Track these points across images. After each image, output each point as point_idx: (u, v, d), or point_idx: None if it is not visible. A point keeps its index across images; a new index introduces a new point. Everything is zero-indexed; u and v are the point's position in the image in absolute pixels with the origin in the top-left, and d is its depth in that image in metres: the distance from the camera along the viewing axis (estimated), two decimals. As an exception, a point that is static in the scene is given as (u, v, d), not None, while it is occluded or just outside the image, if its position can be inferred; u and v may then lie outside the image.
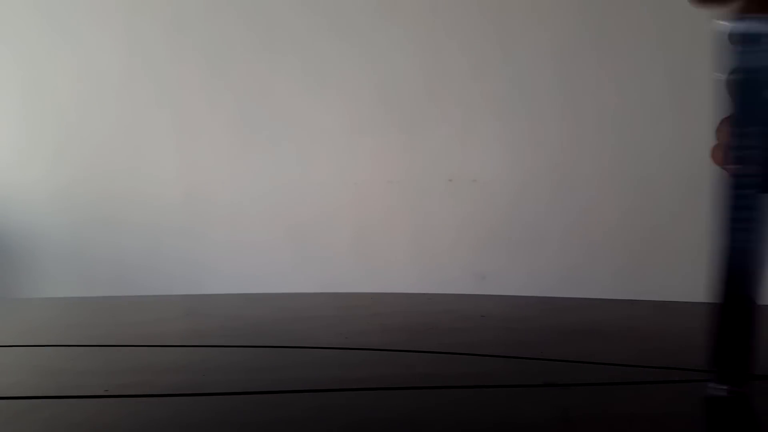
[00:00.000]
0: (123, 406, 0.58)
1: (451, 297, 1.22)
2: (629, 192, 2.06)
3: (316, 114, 2.15)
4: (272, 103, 2.17)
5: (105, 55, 2.20)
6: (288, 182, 2.18)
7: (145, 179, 2.22)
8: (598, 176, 2.07)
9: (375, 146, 2.15)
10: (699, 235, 2.25)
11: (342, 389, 0.62)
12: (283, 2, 2.15)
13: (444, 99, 2.11)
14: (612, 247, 2.08)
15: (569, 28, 2.04)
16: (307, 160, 2.17)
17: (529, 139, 2.09)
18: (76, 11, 2.19)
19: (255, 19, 2.15)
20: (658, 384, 0.61)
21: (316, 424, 0.52)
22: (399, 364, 0.71)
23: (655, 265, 2.06)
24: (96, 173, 2.23)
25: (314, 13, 2.13)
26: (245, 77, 2.17)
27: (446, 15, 2.09)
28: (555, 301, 1.14)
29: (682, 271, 2.07)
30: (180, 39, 2.17)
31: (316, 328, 0.92)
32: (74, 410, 0.56)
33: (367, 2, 2.12)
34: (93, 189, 2.23)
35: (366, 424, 0.52)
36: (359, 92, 2.14)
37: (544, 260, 2.09)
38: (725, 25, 0.36)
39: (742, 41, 0.37)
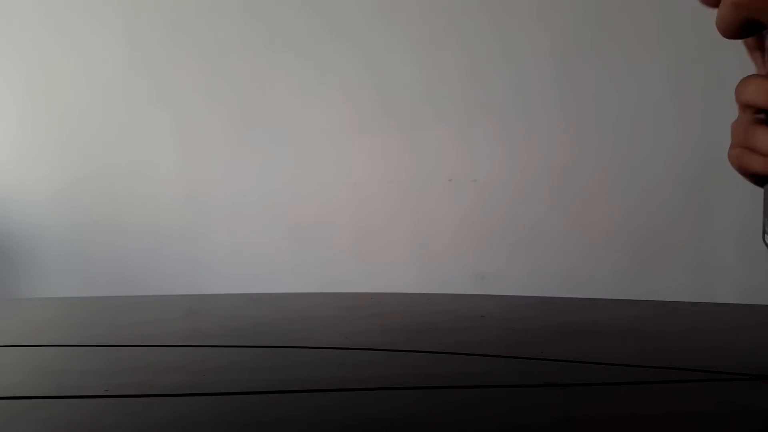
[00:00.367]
0: (123, 406, 0.58)
1: (451, 297, 1.22)
2: (629, 192, 2.06)
3: (315, 114, 2.15)
4: (272, 104, 2.17)
5: (106, 56, 2.20)
6: (288, 182, 2.18)
7: (146, 180, 2.22)
8: (598, 176, 2.07)
9: (374, 146, 2.15)
10: (699, 236, 2.26)
11: (342, 389, 0.62)
12: (283, 2, 2.15)
13: (444, 99, 2.11)
14: (612, 247, 2.08)
15: (569, 29, 2.04)
16: (307, 160, 2.17)
17: (530, 140, 2.09)
18: (77, 12, 2.19)
19: (255, 20, 2.15)
20: (658, 384, 0.61)
21: (316, 424, 0.53)
22: (399, 364, 0.71)
23: (656, 266, 2.06)
24: (97, 174, 2.23)
25: (314, 14, 2.13)
26: (245, 78, 2.17)
27: (446, 15, 2.09)
28: (555, 301, 1.14)
29: (682, 271, 2.07)
30: (180, 40, 2.17)
31: (316, 328, 0.92)
32: (74, 410, 0.56)
33: (367, 2, 2.12)
34: (93, 189, 2.23)
35: (366, 424, 0.52)
36: (359, 92, 2.14)
37: (544, 260, 2.09)
38: None
39: None
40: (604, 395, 0.58)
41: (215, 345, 0.81)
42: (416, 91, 2.11)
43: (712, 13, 0.40)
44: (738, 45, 0.38)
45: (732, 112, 0.40)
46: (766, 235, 0.37)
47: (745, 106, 0.37)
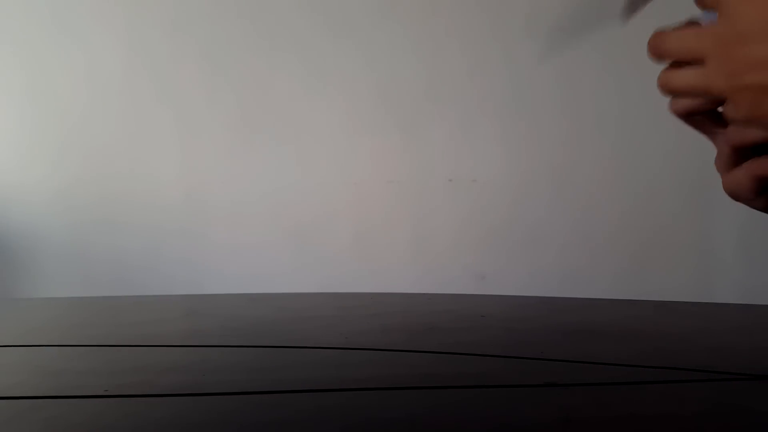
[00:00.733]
0: (123, 406, 0.58)
1: (451, 297, 1.22)
2: (629, 192, 2.06)
3: (316, 114, 2.15)
4: (272, 104, 2.17)
5: (106, 57, 2.20)
6: (288, 182, 2.18)
7: (146, 180, 2.22)
8: (598, 176, 2.07)
9: (375, 146, 2.15)
10: (699, 236, 2.26)
11: (342, 389, 0.62)
12: (283, 2, 2.15)
13: (444, 99, 2.11)
14: (612, 247, 2.08)
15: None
16: (307, 160, 2.17)
17: (530, 139, 2.09)
18: (77, 12, 2.19)
19: (255, 20, 2.15)
20: (658, 384, 0.61)
21: (316, 424, 0.53)
22: (399, 364, 0.71)
23: (656, 266, 2.06)
24: (97, 174, 2.23)
25: (315, 13, 2.13)
26: (246, 78, 2.17)
27: (446, 15, 2.09)
28: (555, 301, 1.14)
29: (682, 271, 2.07)
30: (180, 40, 2.17)
31: (316, 328, 0.92)
32: (74, 410, 0.56)
33: (368, 2, 2.12)
34: (94, 189, 2.23)
35: (366, 424, 0.52)
36: (359, 92, 2.14)
37: (544, 260, 2.09)
38: None
39: None
40: (604, 395, 0.58)
41: (215, 345, 0.81)
42: (416, 91, 2.11)
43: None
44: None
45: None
46: None
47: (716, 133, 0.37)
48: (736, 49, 0.33)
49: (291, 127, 2.16)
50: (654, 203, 2.05)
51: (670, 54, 0.36)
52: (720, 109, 0.36)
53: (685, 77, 0.36)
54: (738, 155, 0.38)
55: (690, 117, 0.39)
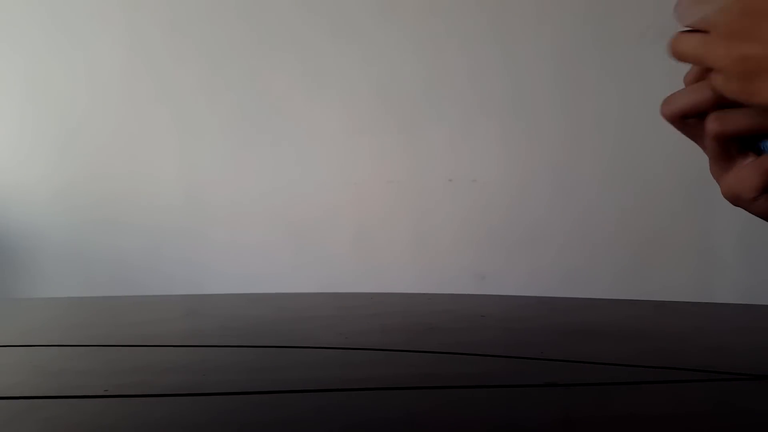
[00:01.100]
0: (123, 406, 0.58)
1: (451, 297, 1.22)
2: (629, 192, 2.06)
3: (316, 114, 2.15)
4: (272, 104, 2.17)
5: (106, 57, 2.20)
6: (288, 182, 2.17)
7: (146, 179, 2.22)
8: (598, 176, 2.07)
9: (375, 146, 2.15)
10: (699, 236, 2.25)
11: (342, 389, 0.62)
12: (283, 2, 2.15)
13: (444, 99, 2.11)
14: (612, 247, 2.08)
15: (569, 28, 2.04)
16: (307, 160, 2.17)
17: (530, 139, 2.09)
18: (77, 12, 2.19)
19: (255, 20, 2.15)
20: (658, 384, 0.61)
21: (316, 424, 0.53)
22: (399, 364, 0.71)
23: (656, 266, 2.06)
24: (97, 173, 2.23)
25: (314, 13, 2.13)
26: (245, 78, 2.17)
27: (446, 15, 2.09)
28: (555, 301, 1.14)
29: (682, 271, 2.07)
30: (180, 40, 2.17)
31: (316, 328, 0.92)
32: (74, 410, 0.56)
33: (367, 2, 2.12)
34: (94, 189, 2.23)
35: (366, 424, 0.52)
36: (359, 92, 2.14)
37: (544, 260, 2.09)
38: None
39: None
40: (604, 395, 0.58)
41: (215, 345, 0.81)
42: (416, 91, 2.11)
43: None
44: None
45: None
46: None
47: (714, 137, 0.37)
48: (741, 19, 0.33)
49: (291, 127, 2.16)
50: (654, 203, 2.05)
51: (685, 18, 0.36)
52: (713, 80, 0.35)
53: (689, 41, 0.36)
54: (724, 150, 0.37)
55: (682, 122, 0.39)
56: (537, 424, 0.51)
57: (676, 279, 2.04)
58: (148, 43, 2.19)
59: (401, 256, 2.15)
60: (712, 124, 0.37)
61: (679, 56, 0.37)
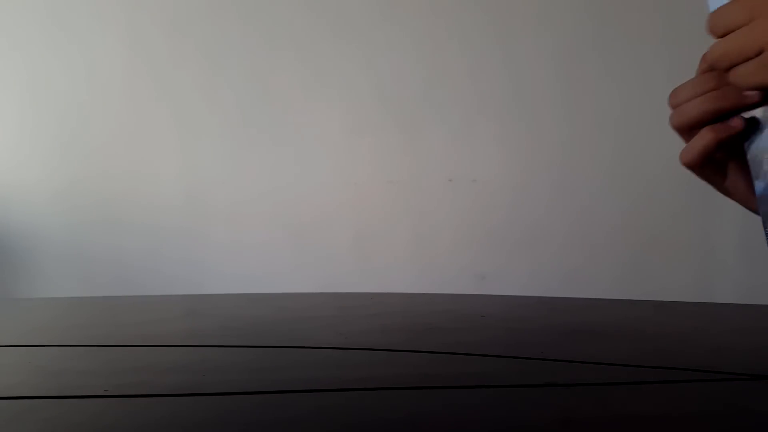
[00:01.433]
0: (123, 406, 0.58)
1: (451, 297, 1.22)
2: (630, 192, 2.06)
3: (316, 113, 2.15)
4: (272, 104, 2.17)
5: (106, 57, 2.20)
6: (288, 182, 2.17)
7: (146, 179, 2.22)
8: (598, 176, 2.07)
9: (375, 146, 2.15)
10: (699, 236, 2.25)
11: (342, 389, 0.62)
12: (283, 2, 2.15)
13: (444, 99, 2.11)
14: (612, 247, 2.08)
15: (569, 28, 2.04)
16: (307, 160, 2.17)
17: (530, 139, 2.09)
18: (77, 12, 2.19)
19: (255, 20, 2.15)
20: (658, 384, 0.61)
21: (316, 424, 0.52)
22: (399, 364, 0.71)
23: (656, 266, 2.06)
24: (97, 174, 2.23)
25: (314, 13, 2.13)
26: (245, 78, 2.17)
27: (446, 15, 2.09)
28: (555, 301, 1.14)
29: (682, 271, 2.07)
30: (180, 40, 2.17)
31: (316, 328, 0.92)
32: (75, 410, 0.56)
33: (367, 2, 2.12)
34: (93, 189, 2.23)
35: (366, 424, 0.52)
36: (359, 92, 2.14)
37: (544, 260, 2.09)
38: None
39: None
40: (604, 395, 0.58)
41: (215, 345, 0.81)
42: (416, 91, 2.11)
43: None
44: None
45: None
46: None
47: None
48: None
49: (291, 127, 2.16)
50: (654, 203, 2.05)
51: (725, 20, 0.36)
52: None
53: (732, 37, 0.36)
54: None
55: (691, 132, 0.41)
56: (537, 424, 0.51)
57: (676, 279, 2.03)
58: (148, 42, 2.19)
59: (401, 256, 2.15)
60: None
61: (721, 55, 0.37)
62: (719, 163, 0.41)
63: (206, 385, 0.63)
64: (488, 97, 2.09)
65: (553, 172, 2.08)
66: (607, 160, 2.06)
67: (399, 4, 2.10)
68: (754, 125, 0.39)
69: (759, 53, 0.35)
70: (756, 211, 0.40)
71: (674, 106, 0.42)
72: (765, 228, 0.38)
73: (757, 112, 0.39)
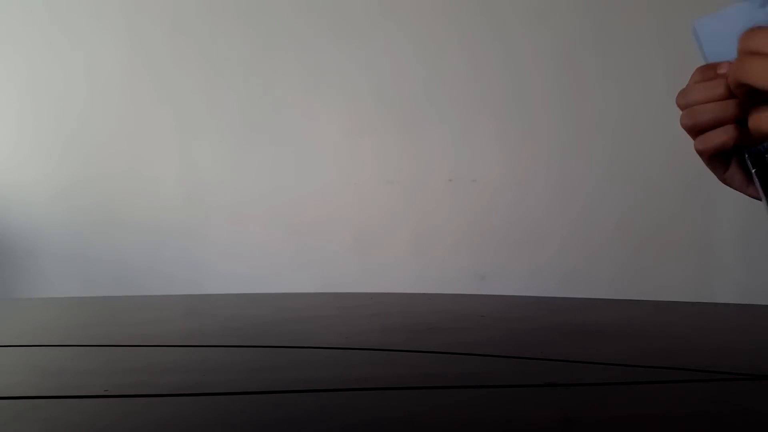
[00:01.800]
0: (123, 406, 0.58)
1: (451, 297, 1.22)
2: (629, 192, 2.05)
3: (316, 114, 2.15)
4: (272, 104, 2.17)
5: (106, 57, 2.20)
6: (288, 182, 2.17)
7: (146, 180, 2.22)
8: (598, 176, 2.07)
9: (375, 147, 2.15)
10: (699, 236, 2.25)
11: (342, 389, 0.62)
12: (283, 2, 2.15)
13: (444, 99, 2.11)
14: (612, 247, 2.08)
15: (569, 29, 2.04)
16: (307, 160, 2.17)
17: (530, 139, 2.09)
18: (77, 12, 2.19)
19: (255, 20, 2.15)
20: (658, 384, 0.61)
21: (316, 424, 0.52)
22: (399, 364, 0.71)
23: (656, 266, 2.06)
24: (97, 174, 2.23)
25: (314, 14, 2.13)
26: (245, 78, 2.17)
27: (446, 15, 2.09)
28: (555, 301, 1.14)
29: (682, 271, 2.07)
30: (180, 40, 2.17)
31: (316, 328, 0.92)
32: (74, 410, 0.56)
33: (367, 2, 2.12)
34: (93, 189, 2.23)
35: (366, 424, 0.52)
36: (359, 92, 2.14)
37: (544, 260, 2.09)
38: None
39: None
40: (604, 395, 0.58)
41: (215, 345, 0.81)
42: (416, 92, 2.11)
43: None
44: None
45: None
46: None
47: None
48: None
49: (291, 128, 2.16)
50: (654, 203, 2.04)
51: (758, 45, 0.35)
52: None
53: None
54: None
55: (701, 132, 0.41)
56: (537, 424, 0.51)
57: (676, 279, 2.03)
58: (148, 43, 2.19)
59: (401, 256, 2.15)
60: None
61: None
62: (726, 155, 0.42)
63: (206, 385, 0.63)
64: (488, 98, 2.09)
65: (552, 172, 2.08)
66: (607, 161, 2.06)
67: (399, 4, 2.10)
68: None
69: None
70: (755, 197, 0.41)
71: (683, 107, 0.43)
72: None
73: None
